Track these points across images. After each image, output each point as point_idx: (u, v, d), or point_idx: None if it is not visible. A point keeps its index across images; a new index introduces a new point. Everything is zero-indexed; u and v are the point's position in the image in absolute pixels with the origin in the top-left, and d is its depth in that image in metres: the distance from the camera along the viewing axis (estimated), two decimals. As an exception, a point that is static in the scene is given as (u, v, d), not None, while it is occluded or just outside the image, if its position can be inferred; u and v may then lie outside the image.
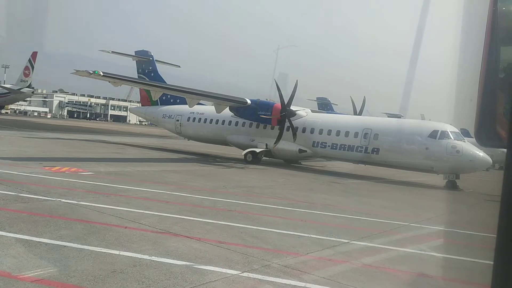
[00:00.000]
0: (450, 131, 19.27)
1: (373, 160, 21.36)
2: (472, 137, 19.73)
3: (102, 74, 20.65)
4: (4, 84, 72.67)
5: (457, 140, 19.08)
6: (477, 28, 1.45)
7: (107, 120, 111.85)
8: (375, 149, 20.97)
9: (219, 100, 24.56)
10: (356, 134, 21.70)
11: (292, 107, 23.17)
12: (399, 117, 30.14)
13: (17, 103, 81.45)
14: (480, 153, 18.43)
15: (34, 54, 63.53)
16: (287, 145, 23.29)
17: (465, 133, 19.89)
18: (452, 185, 18.91)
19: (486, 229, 9.63)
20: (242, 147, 25.02)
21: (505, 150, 1.30)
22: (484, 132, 1.36)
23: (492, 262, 1.23)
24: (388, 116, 35.87)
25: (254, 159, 23.48)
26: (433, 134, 19.41)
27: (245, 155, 23.66)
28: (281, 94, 22.94)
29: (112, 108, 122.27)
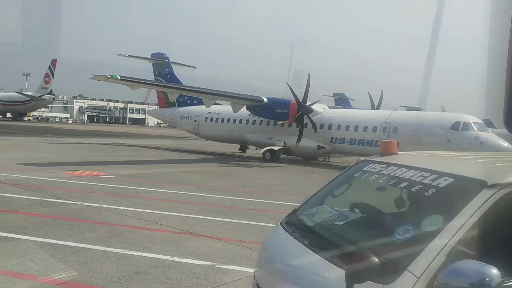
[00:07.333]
0: (472, 122, 18.84)
1: (393, 154, 21.03)
2: (496, 128, 19.05)
3: (119, 78, 20.94)
4: (25, 91, 74.52)
5: (481, 131, 18.65)
6: (502, 14, 1.38)
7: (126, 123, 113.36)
8: (395, 143, 20.64)
9: (235, 99, 24.60)
10: (374, 129, 21.44)
11: (309, 103, 23.04)
12: (418, 110, 29.61)
13: (39, 109, 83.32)
14: (505, 144, 17.97)
15: (54, 61, 64.90)
16: (305, 142, 23.18)
17: (488, 123, 19.39)
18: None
19: None
20: (260, 145, 25.01)
21: None
22: None
23: None
24: (407, 110, 35.27)
25: (273, 157, 23.47)
26: (455, 126, 19.02)
27: (264, 153, 23.67)
28: (294, 93, 22.84)
29: (131, 111, 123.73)
